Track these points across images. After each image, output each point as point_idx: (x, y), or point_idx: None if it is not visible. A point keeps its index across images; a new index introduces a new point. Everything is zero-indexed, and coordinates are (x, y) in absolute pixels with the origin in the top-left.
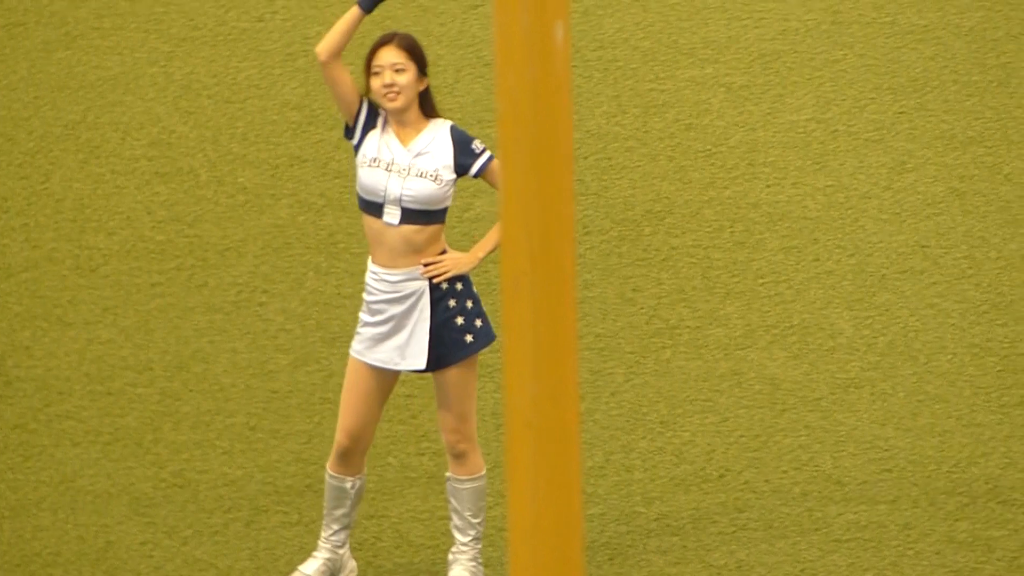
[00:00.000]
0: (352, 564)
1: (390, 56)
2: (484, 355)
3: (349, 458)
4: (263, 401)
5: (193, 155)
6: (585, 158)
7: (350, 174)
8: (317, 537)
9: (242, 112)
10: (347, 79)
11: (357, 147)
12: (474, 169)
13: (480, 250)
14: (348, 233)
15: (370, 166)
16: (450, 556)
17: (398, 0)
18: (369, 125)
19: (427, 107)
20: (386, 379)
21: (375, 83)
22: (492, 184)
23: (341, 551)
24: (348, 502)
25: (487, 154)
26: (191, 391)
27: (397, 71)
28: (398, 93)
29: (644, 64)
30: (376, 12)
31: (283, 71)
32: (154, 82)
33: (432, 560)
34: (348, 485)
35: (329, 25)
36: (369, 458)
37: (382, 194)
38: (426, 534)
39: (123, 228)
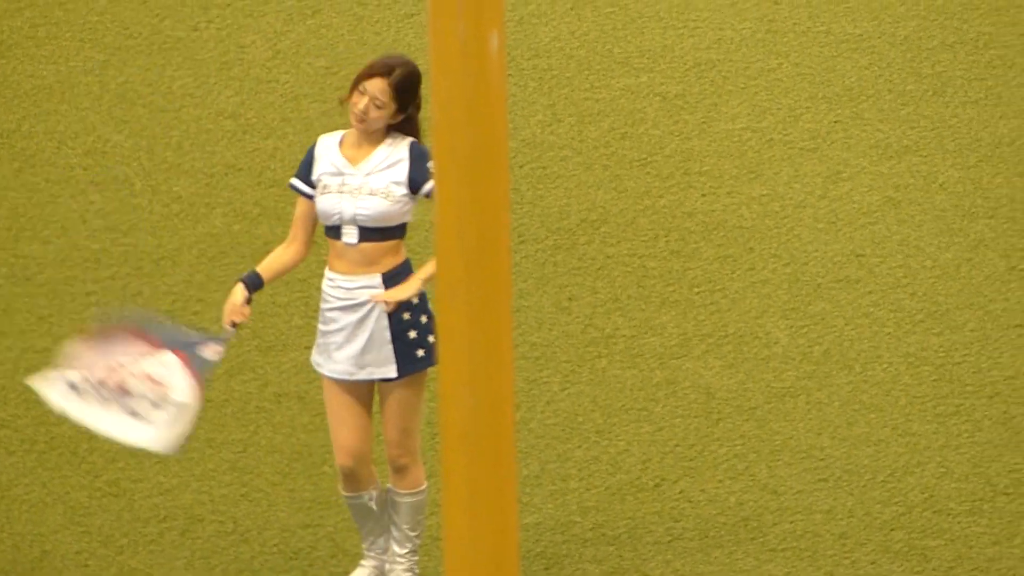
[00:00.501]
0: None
1: (376, 88)
2: None
3: (355, 477)
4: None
5: (128, 164)
6: (520, 167)
7: (284, 183)
8: (257, 544)
9: (177, 121)
10: (308, 211)
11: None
12: (425, 188)
13: (420, 275)
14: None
15: (322, 193)
16: (386, 566)
17: (334, 9)
18: (316, 165)
19: (407, 131)
20: (361, 389)
21: (355, 98)
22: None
23: (386, 556)
24: (374, 514)
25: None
26: None
27: (377, 106)
28: (367, 122)
29: (579, 73)
30: (311, 21)
31: (218, 80)
32: (89, 91)
33: None
34: (366, 498)
35: (264, 34)
36: (305, 466)
37: (337, 216)
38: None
39: (58, 237)
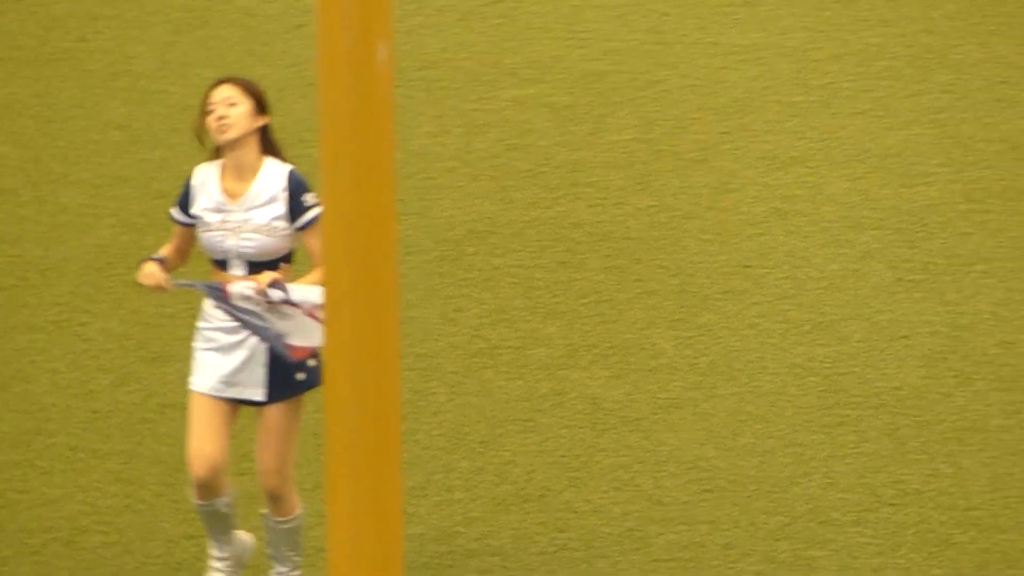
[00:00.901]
0: (248, 542)
1: (223, 92)
2: None
3: (210, 487)
4: (84, 421)
5: (14, 175)
6: (408, 178)
7: (172, 194)
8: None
9: (64, 131)
10: (187, 235)
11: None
12: (301, 221)
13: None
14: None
15: (204, 230)
16: None
17: (222, 20)
18: (196, 200)
19: (267, 146)
20: (225, 407)
21: (209, 120)
22: (306, 245)
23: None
24: (227, 518)
25: (313, 214)
26: (12, 411)
27: (230, 104)
28: (230, 125)
29: (467, 84)
30: (200, 32)
31: (105, 91)
32: None
33: None
34: (220, 505)
35: (152, 45)
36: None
37: (222, 253)
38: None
39: None
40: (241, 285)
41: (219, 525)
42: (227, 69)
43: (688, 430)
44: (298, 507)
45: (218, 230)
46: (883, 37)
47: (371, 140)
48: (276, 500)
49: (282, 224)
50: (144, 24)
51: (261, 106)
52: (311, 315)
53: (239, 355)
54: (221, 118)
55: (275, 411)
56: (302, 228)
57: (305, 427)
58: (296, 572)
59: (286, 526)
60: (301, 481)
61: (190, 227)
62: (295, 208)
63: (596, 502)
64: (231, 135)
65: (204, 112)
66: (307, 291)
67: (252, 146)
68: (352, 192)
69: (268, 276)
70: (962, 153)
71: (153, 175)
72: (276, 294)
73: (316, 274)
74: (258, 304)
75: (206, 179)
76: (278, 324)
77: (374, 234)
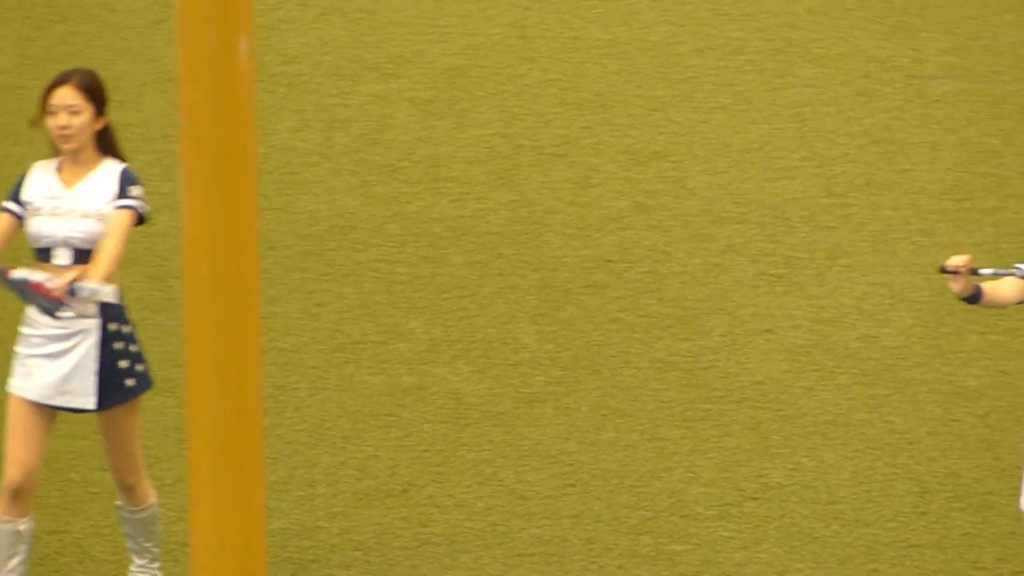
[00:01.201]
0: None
1: (66, 97)
2: (168, 370)
3: (21, 497)
4: None
5: None
6: (269, 173)
7: None
8: None
9: None
10: (7, 228)
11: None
12: (117, 203)
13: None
14: None
15: (33, 215)
16: (129, 574)
17: (80, 16)
18: (28, 188)
19: (106, 145)
20: (47, 413)
21: (50, 122)
22: (107, 224)
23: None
24: (23, 547)
25: (130, 202)
26: None
27: (72, 113)
28: (72, 136)
29: (328, 79)
30: (60, 27)
31: None
32: None
33: (115, 575)
34: (22, 527)
35: (12, 40)
36: (52, 472)
37: (48, 239)
38: (109, 549)
39: None
40: (28, 272)
41: (15, 554)
42: (87, 65)
43: (551, 424)
44: (150, 496)
45: (49, 215)
46: (745, 31)
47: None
48: (128, 491)
49: (110, 210)
50: (4, 20)
51: (101, 109)
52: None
53: (68, 362)
54: (64, 127)
55: (110, 416)
56: (116, 208)
57: (167, 422)
58: (155, 564)
59: (141, 515)
60: (162, 476)
61: (18, 219)
62: (120, 194)
63: (459, 497)
64: (74, 146)
65: (45, 110)
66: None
67: (90, 146)
68: (213, 187)
69: (69, 276)
70: (824, 147)
71: (12, 171)
72: (80, 292)
73: (100, 257)
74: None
75: (44, 171)
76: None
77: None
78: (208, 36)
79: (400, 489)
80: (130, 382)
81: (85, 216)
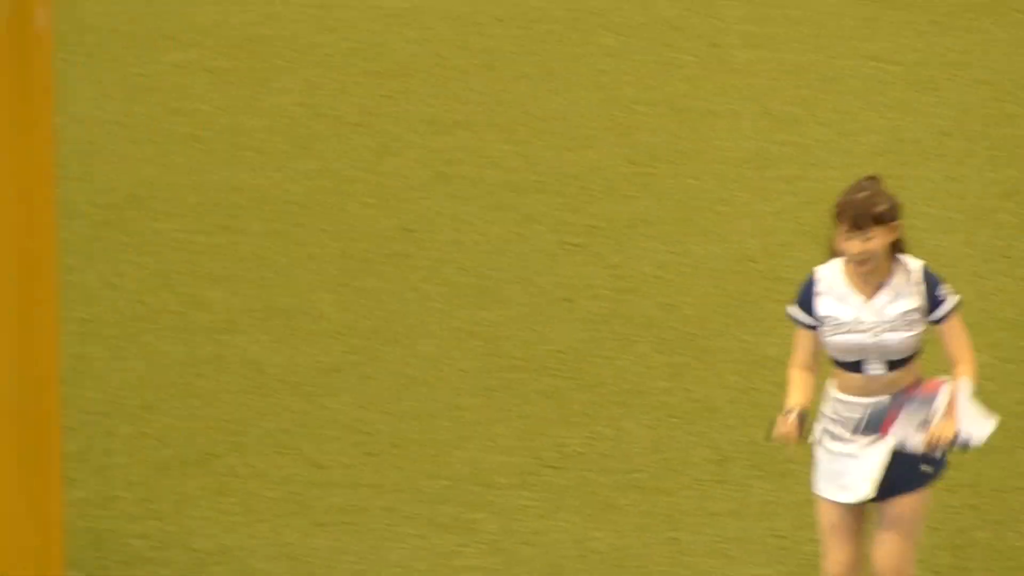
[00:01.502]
0: None
1: (857, 242)
2: None
3: None
4: None
5: None
6: (68, 143)
7: None
8: None
9: None
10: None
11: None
12: (935, 315)
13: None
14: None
15: (834, 333)
16: None
17: None
18: (820, 301)
19: (896, 247)
20: (855, 510)
21: (846, 244)
22: (943, 339)
23: None
24: None
25: (951, 302)
26: None
27: (866, 240)
28: (869, 260)
29: (127, 48)
30: None
31: None
32: None
33: None
34: None
35: None
36: None
37: (859, 353)
38: None
39: None
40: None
41: None
42: None
43: (350, 394)
44: None
45: (853, 331)
46: (546, 0)
47: (30, 105)
48: None
49: (917, 317)
50: None
51: (895, 226)
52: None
53: (857, 456)
54: (863, 256)
55: (894, 505)
56: (938, 321)
57: None
58: None
59: None
60: None
61: (813, 329)
62: (932, 301)
63: (258, 466)
64: (869, 267)
65: (843, 234)
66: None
67: (884, 255)
68: (10, 156)
69: (945, 431)
70: (625, 116)
71: None
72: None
73: (964, 368)
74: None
75: (831, 279)
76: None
77: (33, 199)
78: (5, 7)
79: (198, 458)
80: (926, 468)
81: (893, 327)
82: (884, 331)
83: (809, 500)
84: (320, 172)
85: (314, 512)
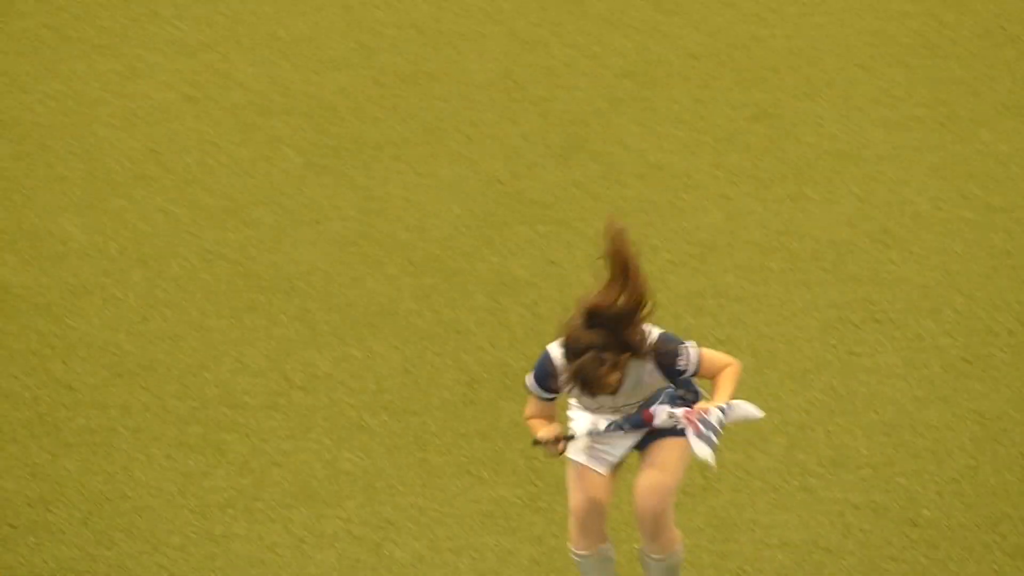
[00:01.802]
0: None
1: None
2: None
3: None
4: None
5: None
6: None
7: None
8: None
9: None
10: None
11: None
12: (684, 377)
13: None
14: None
15: (581, 408)
16: None
17: None
18: (553, 376)
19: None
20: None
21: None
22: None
23: None
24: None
25: (689, 358)
26: None
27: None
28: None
29: None
30: None
31: None
32: None
33: None
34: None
35: None
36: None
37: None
38: None
39: None
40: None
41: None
42: None
43: (98, 315)
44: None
45: (598, 412)
46: None
47: None
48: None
49: (660, 380)
50: None
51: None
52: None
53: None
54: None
55: (658, 447)
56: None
57: None
58: None
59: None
60: None
61: (551, 400)
62: (672, 374)
63: (5, 387)
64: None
65: None
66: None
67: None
68: None
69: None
70: (372, 38)
71: None
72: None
73: (724, 385)
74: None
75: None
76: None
77: None
78: None
79: None
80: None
81: (630, 404)
82: (630, 408)
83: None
84: (66, 94)
85: (63, 433)
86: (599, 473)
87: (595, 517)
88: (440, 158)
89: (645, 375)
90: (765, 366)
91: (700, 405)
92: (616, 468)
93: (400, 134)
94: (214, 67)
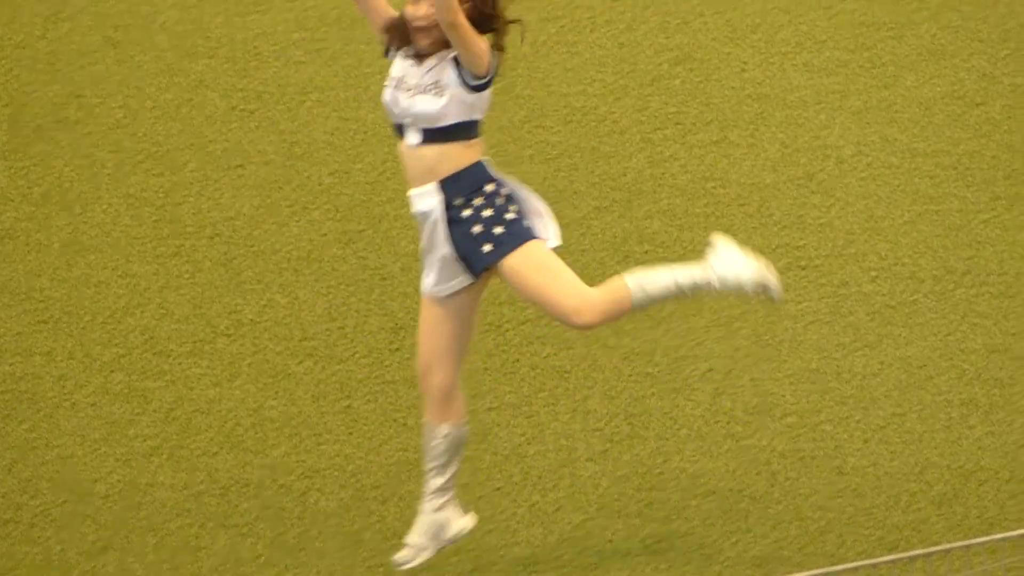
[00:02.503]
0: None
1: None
2: None
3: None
4: None
5: None
6: None
7: None
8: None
9: None
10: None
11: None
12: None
13: None
14: None
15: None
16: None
17: None
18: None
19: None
20: None
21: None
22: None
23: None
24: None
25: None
26: None
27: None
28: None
29: None
30: None
31: None
32: None
33: None
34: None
35: None
36: None
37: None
38: None
39: None
40: None
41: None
42: None
43: (22, 261)
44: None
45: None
46: None
47: None
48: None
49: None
50: None
51: None
52: None
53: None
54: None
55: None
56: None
57: None
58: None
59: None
60: None
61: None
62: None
63: None
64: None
65: None
66: None
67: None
68: None
69: None
70: None
71: None
72: None
73: None
74: None
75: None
76: None
77: None
78: None
79: None
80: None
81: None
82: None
83: (484, 369)
84: None
85: None
86: (434, 304)
87: (427, 377)
88: (364, 102)
89: (444, 75)
90: (690, 313)
91: None
92: (461, 300)
93: (323, 77)
94: (137, 10)
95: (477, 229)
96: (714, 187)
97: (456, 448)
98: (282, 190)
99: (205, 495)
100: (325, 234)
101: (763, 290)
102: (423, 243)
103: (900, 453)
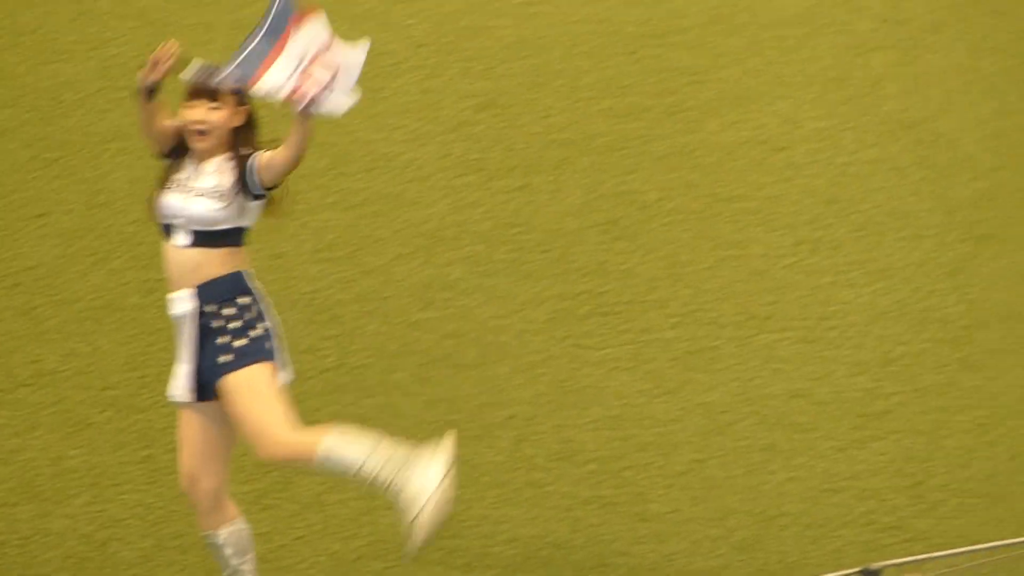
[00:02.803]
0: None
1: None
2: None
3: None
4: None
5: None
6: None
7: None
8: None
9: None
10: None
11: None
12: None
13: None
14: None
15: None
16: None
17: None
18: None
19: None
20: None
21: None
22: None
23: None
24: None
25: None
26: None
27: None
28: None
29: None
30: None
31: None
32: None
33: None
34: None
35: None
36: None
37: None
38: None
39: None
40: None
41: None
42: None
43: None
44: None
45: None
46: None
47: None
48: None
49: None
50: None
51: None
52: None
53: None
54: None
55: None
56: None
57: None
58: None
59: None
60: None
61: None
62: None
63: None
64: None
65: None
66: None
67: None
68: None
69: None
70: (99, 30)
71: None
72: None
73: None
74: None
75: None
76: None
77: None
78: None
79: None
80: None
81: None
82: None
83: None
84: None
85: None
86: (192, 412)
87: (195, 486)
88: None
89: (224, 179)
90: (493, 360)
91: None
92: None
93: (126, 127)
94: None
95: (222, 340)
96: (517, 233)
97: (245, 543)
98: (84, 239)
99: (6, 545)
100: (126, 283)
101: (415, 524)
102: (177, 347)
103: (702, 499)
